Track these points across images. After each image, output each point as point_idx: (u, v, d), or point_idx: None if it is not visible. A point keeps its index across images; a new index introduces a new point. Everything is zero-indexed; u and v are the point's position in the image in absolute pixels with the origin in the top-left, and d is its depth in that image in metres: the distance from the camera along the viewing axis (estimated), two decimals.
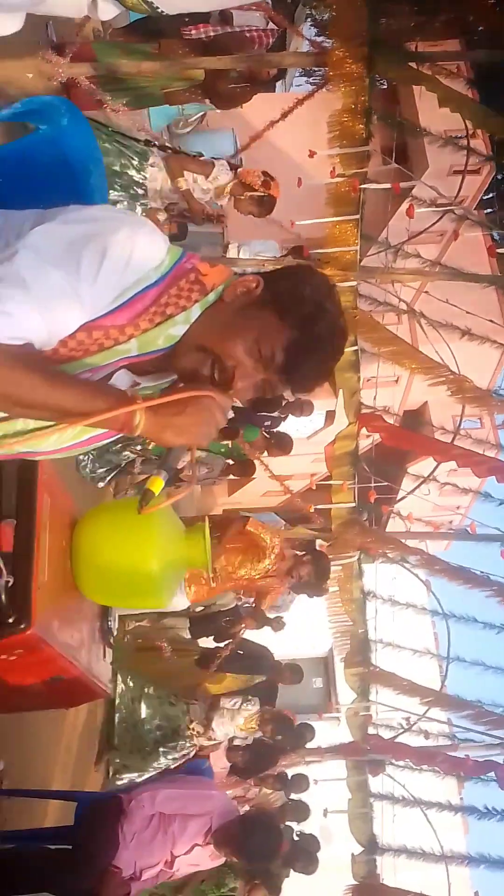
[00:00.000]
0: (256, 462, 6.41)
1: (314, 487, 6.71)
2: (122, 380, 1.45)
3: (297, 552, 5.37)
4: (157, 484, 1.40)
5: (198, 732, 5.69)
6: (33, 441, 1.43)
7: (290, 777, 7.05)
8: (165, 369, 1.49)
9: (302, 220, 5.18)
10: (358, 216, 5.08)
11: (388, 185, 5.13)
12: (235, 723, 5.79)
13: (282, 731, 6.00)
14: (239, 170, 5.52)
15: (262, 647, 6.67)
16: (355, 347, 5.47)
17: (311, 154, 5.36)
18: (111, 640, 3.19)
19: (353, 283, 5.31)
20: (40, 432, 1.41)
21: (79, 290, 1.30)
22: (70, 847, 3.63)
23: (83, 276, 1.30)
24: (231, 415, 5.21)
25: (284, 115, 5.92)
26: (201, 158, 5.39)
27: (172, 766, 5.61)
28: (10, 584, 2.15)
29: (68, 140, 2.19)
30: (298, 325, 1.42)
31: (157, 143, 5.26)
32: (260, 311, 1.44)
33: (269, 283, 1.48)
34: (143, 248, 1.37)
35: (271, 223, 5.92)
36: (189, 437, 1.39)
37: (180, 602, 5.18)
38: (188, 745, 5.70)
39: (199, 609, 6.10)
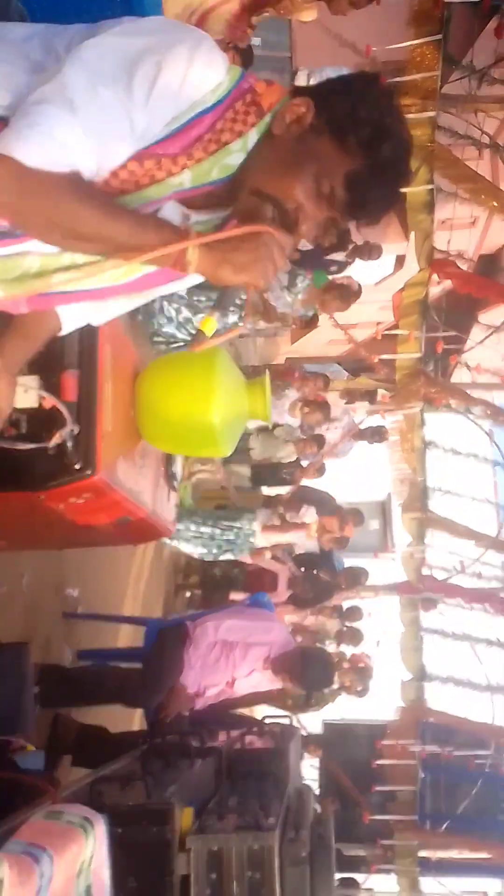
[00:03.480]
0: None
1: (379, 337, 6.57)
2: (171, 212, 1.34)
3: None
4: (210, 324, 1.33)
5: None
6: (81, 280, 1.35)
7: (345, 608, 7.47)
8: (219, 205, 1.38)
9: (380, 46, 4.73)
10: (440, 36, 4.63)
11: None
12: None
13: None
14: None
15: (323, 493, 6.82)
16: (430, 186, 5.15)
17: None
18: (175, 485, 3.31)
19: (432, 114, 4.93)
20: (88, 267, 1.33)
21: (131, 112, 1.20)
22: (140, 666, 3.97)
23: (135, 98, 1.20)
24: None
25: None
26: None
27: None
28: (75, 433, 2.22)
29: None
30: (360, 151, 1.29)
31: None
32: (315, 140, 1.31)
33: (320, 105, 1.32)
34: (202, 68, 1.24)
35: (345, 46, 5.43)
36: (247, 275, 1.29)
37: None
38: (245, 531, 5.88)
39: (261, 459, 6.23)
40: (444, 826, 6.42)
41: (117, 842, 1.96)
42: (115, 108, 1.20)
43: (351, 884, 6.55)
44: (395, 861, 6.58)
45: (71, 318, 1.61)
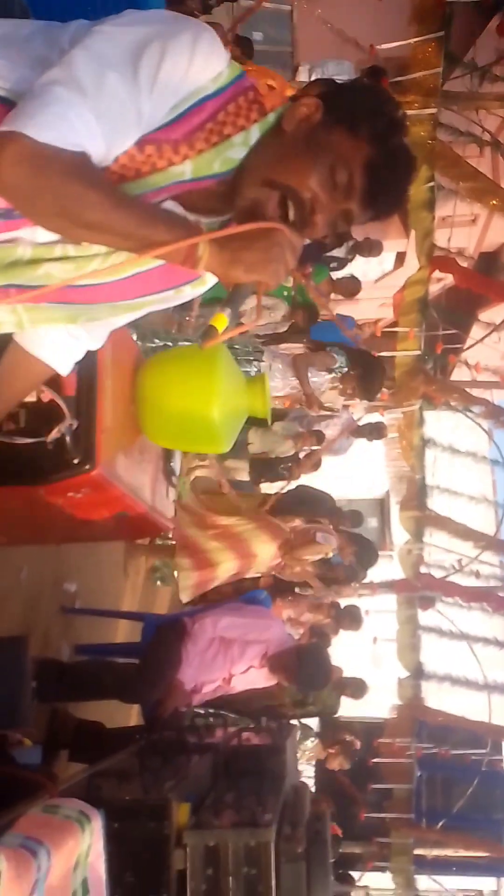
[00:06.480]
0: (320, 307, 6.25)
1: (379, 335, 6.56)
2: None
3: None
4: (221, 321, 1.29)
5: None
6: (73, 273, 1.30)
7: (342, 606, 7.44)
8: (219, 208, 1.35)
9: (382, 45, 4.72)
10: (442, 34, 4.62)
11: None
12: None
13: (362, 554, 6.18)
14: None
15: (323, 493, 6.79)
16: (431, 184, 5.14)
17: None
18: (174, 480, 3.31)
19: (433, 111, 4.92)
20: (80, 259, 1.29)
21: (137, 98, 1.19)
22: (138, 662, 3.97)
23: (141, 84, 1.19)
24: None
25: None
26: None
27: None
28: (74, 427, 2.21)
29: None
30: (375, 141, 1.28)
31: None
32: (329, 133, 1.31)
33: (329, 102, 1.33)
34: (204, 55, 1.24)
35: (347, 41, 5.41)
36: (258, 275, 1.25)
37: None
38: None
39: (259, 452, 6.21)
40: (440, 824, 6.44)
41: (114, 836, 1.96)
42: (123, 93, 1.19)
43: (347, 880, 6.56)
44: (391, 859, 6.59)
45: (59, 355, 1.64)
